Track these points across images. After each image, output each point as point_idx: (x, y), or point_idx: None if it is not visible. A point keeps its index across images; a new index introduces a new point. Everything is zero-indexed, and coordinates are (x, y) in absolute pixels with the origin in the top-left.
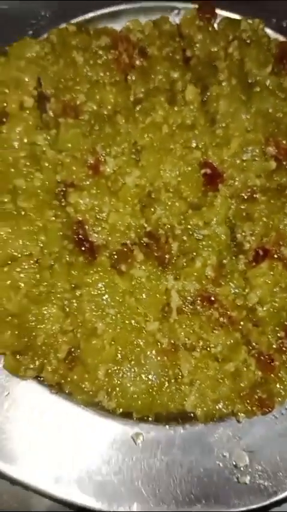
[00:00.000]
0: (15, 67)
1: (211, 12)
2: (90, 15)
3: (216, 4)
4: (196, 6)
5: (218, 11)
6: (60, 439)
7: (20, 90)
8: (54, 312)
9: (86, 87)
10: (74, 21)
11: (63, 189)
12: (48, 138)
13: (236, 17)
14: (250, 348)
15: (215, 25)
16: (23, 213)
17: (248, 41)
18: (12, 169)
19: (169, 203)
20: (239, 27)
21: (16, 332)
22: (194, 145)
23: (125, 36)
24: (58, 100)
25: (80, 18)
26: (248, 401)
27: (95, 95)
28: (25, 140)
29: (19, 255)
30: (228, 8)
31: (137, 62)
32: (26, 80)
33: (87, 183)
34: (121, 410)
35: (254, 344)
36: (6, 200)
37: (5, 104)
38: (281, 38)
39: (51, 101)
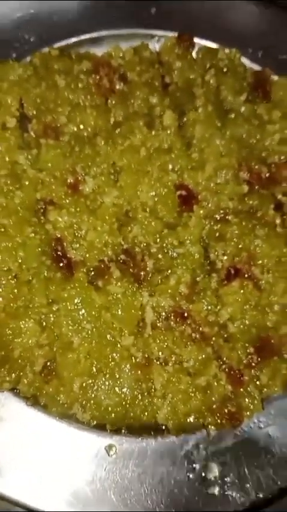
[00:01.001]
0: None
1: (189, 40)
2: (73, 40)
3: (195, 33)
4: (175, 34)
5: (196, 40)
6: (35, 449)
7: (2, 111)
8: (31, 326)
9: (67, 109)
10: (57, 45)
11: (43, 206)
12: (29, 157)
13: (214, 46)
14: (221, 363)
15: (194, 53)
16: (2, 229)
17: (224, 70)
18: None
19: (146, 222)
20: (217, 56)
21: None
22: (170, 168)
23: (107, 61)
24: (40, 121)
25: (63, 43)
26: (218, 414)
27: (76, 117)
28: (6, 159)
29: None
30: (206, 37)
31: (118, 87)
32: (9, 101)
33: (67, 201)
34: (95, 422)
35: (224, 359)
36: None
37: None
38: (256, 68)
39: (33, 121)
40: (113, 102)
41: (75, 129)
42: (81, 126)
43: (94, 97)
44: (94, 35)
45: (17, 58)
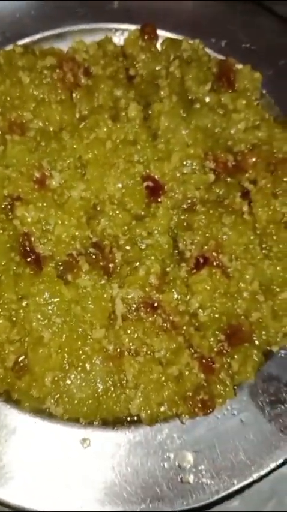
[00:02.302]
0: None
1: (152, 32)
2: (37, 36)
3: (158, 25)
4: (139, 27)
5: (160, 32)
6: (8, 445)
7: None
8: (1, 322)
9: (32, 105)
10: (20, 42)
11: (10, 203)
12: None
13: (178, 37)
14: (192, 351)
15: (158, 45)
16: None
17: (188, 60)
18: None
19: (113, 215)
20: (180, 47)
21: None
22: (136, 159)
23: (71, 56)
24: (5, 118)
25: (27, 40)
26: (191, 403)
27: (41, 112)
28: None
29: None
30: (169, 29)
31: (82, 81)
32: None
33: (34, 196)
34: (68, 416)
35: (196, 348)
36: None
37: None
38: (220, 57)
39: None
40: (78, 96)
41: (40, 124)
42: (47, 122)
43: (59, 92)
44: (58, 30)
45: None
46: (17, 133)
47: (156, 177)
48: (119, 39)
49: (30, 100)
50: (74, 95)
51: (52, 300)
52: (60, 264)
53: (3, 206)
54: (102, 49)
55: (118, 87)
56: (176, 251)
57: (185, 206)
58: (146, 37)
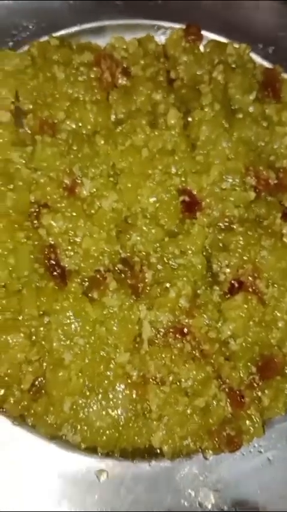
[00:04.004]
0: None
1: (197, 33)
2: (74, 29)
3: (203, 26)
4: (183, 26)
5: (204, 33)
6: (21, 472)
7: None
8: (20, 340)
9: (65, 104)
10: (56, 34)
11: (37, 210)
12: (24, 155)
13: (223, 40)
14: (221, 382)
15: (201, 47)
16: None
17: (233, 66)
18: None
19: (145, 229)
20: (225, 51)
21: None
22: (173, 171)
23: (109, 53)
24: (36, 116)
25: (63, 32)
26: (216, 438)
27: (75, 113)
28: None
29: None
30: (215, 31)
31: (120, 81)
32: (3, 93)
33: (62, 204)
34: (86, 445)
35: (225, 379)
36: None
37: None
38: (266, 65)
39: (28, 116)
40: (115, 97)
41: (73, 126)
42: (80, 123)
43: (95, 92)
44: (97, 24)
45: (14, 47)
46: (48, 134)
47: (193, 191)
48: (160, 38)
49: (63, 98)
50: (110, 96)
51: (76, 318)
52: (86, 280)
53: (28, 213)
54: (143, 48)
55: (158, 91)
56: (210, 273)
57: (222, 225)
58: (189, 38)
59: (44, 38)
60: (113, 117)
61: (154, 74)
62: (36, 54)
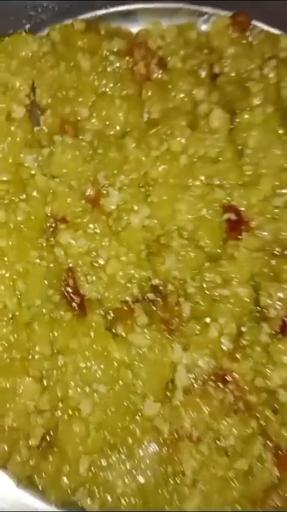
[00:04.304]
0: (5, 67)
1: (246, 22)
2: (101, 12)
3: (253, 14)
4: (229, 13)
5: (255, 23)
6: None
7: (8, 96)
8: (29, 384)
9: (90, 99)
10: (81, 17)
11: (53, 225)
12: (39, 159)
13: (276, 31)
14: (267, 440)
15: (250, 38)
16: None
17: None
18: None
19: (182, 252)
20: (278, 44)
21: None
22: (217, 183)
23: (143, 41)
24: (55, 113)
25: (89, 15)
26: (260, 507)
27: (101, 109)
28: (10, 160)
29: None
30: (267, 21)
31: (155, 75)
32: (17, 84)
33: (84, 219)
34: None
35: (272, 436)
36: None
37: None
38: None
39: (46, 113)
40: (149, 93)
41: (99, 125)
42: (107, 122)
43: (125, 85)
44: (128, 7)
45: (31, 30)
46: (69, 134)
47: (240, 208)
48: (204, 27)
49: (88, 92)
50: (143, 91)
51: (96, 360)
52: (110, 311)
53: (43, 228)
54: (183, 36)
55: (199, 87)
56: (257, 307)
57: (273, 250)
58: (237, 27)
59: (67, 21)
60: (145, 116)
61: (195, 67)
62: (57, 40)
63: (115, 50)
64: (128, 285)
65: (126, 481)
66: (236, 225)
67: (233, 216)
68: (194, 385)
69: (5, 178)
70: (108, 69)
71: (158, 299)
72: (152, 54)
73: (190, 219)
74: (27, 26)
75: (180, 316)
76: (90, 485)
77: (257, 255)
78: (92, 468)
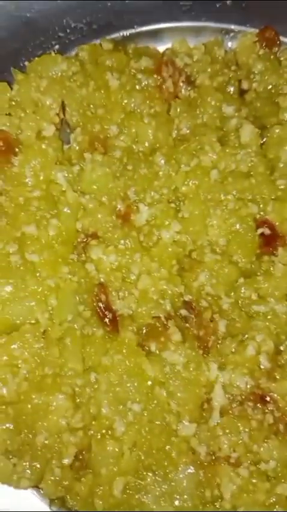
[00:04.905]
0: (35, 87)
1: (273, 38)
2: (129, 32)
3: (280, 29)
4: (256, 30)
5: (283, 39)
6: None
7: (38, 115)
8: (61, 401)
9: (119, 117)
10: (110, 37)
11: (84, 240)
12: (70, 176)
13: None
14: None
15: (278, 54)
16: (31, 268)
17: None
18: (22, 213)
19: (216, 268)
20: None
21: (10, 426)
22: (249, 197)
23: (170, 59)
24: (85, 130)
25: (117, 35)
26: None
27: (131, 127)
28: (41, 177)
29: (21, 323)
30: None
31: (183, 92)
32: (48, 103)
33: (115, 235)
34: None
35: None
36: (11, 251)
37: (19, 131)
38: None
39: (76, 131)
40: (178, 110)
41: (129, 142)
42: (137, 139)
43: (154, 103)
44: (154, 27)
45: (61, 50)
46: (99, 151)
47: (274, 222)
48: (230, 44)
49: (117, 110)
50: (172, 108)
51: (129, 377)
52: (143, 328)
53: (74, 244)
54: (210, 54)
55: (228, 103)
56: None
57: None
58: (264, 43)
59: (96, 41)
60: (174, 132)
61: (223, 84)
62: (86, 59)
63: (143, 68)
64: (161, 300)
65: (163, 504)
66: (270, 240)
67: (267, 231)
68: (232, 405)
69: (36, 195)
70: (137, 88)
71: (191, 315)
72: (179, 72)
73: (222, 234)
74: (57, 47)
75: (215, 334)
76: (125, 508)
77: None
78: (127, 490)
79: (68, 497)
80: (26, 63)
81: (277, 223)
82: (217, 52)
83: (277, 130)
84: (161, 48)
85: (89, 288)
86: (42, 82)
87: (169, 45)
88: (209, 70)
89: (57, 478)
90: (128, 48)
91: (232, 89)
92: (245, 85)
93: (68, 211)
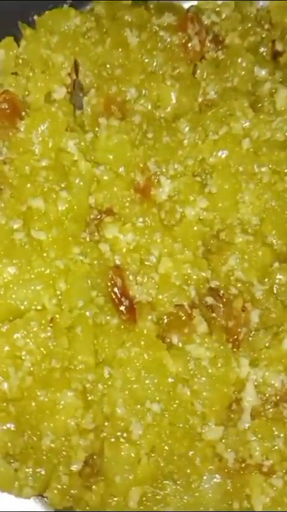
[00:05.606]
0: (45, 43)
1: None
2: None
3: None
4: None
5: None
6: None
7: (48, 75)
8: (70, 399)
9: (139, 78)
10: None
11: (98, 217)
12: (82, 144)
13: None
14: None
15: None
16: (38, 247)
17: None
18: (29, 185)
19: (247, 250)
20: None
21: (12, 427)
22: None
23: (197, 16)
24: (100, 93)
25: None
26: None
27: (151, 89)
28: (50, 144)
29: (26, 310)
30: None
31: (211, 52)
32: (59, 61)
33: (133, 211)
34: None
35: None
36: (16, 227)
37: (26, 93)
38: None
39: (90, 93)
40: (205, 72)
41: (149, 106)
42: (158, 104)
43: (178, 64)
44: None
45: (74, 4)
46: (116, 116)
47: None
48: (262, 1)
49: (137, 70)
50: (198, 70)
51: (148, 373)
52: (164, 317)
53: (87, 221)
54: (240, 11)
55: (261, 65)
56: None
57: None
58: None
59: None
60: (201, 97)
61: (255, 45)
62: (102, 14)
63: (166, 24)
64: (184, 286)
65: None
66: None
67: None
68: (265, 406)
69: (44, 164)
70: (159, 46)
71: (219, 304)
72: (206, 30)
73: (255, 212)
74: (69, 1)
75: (247, 325)
76: None
77: None
78: (144, 500)
79: (76, 506)
80: (36, 17)
81: None
82: (248, 9)
83: None
84: (186, 5)
85: (103, 271)
86: (53, 38)
87: (194, 3)
88: (239, 29)
89: (65, 486)
90: (149, 3)
91: (265, 50)
92: (279, 46)
93: (80, 183)
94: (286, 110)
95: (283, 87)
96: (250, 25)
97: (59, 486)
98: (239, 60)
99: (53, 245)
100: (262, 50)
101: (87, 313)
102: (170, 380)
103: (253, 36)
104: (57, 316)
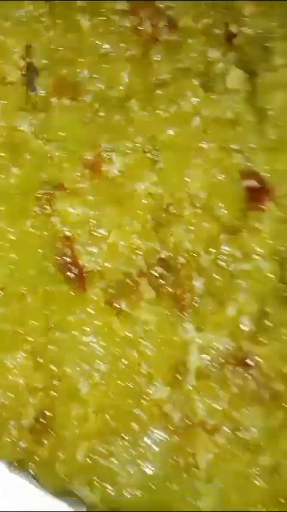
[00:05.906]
0: None
1: None
2: None
3: None
4: None
5: None
6: None
7: (1, 58)
8: (20, 360)
9: (91, 60)
10: None
11: (50, 192)
12: (35, 122)
13: None
14: None
15: None
16: None
17: None
18: None
19: (195, 222)
20: None
21: None
22: (235, 147)
23: (150, 1)
24: (52, 73)
25: None
26: None
27: (103, 70)
28: (3, 123)
29: None
30: None
31: (164, 35)
32: (11, 45)
33: (83, 185)
34: (105, 506)
35: None
36: None
37: None
38: None
39: (42, 74)
40: (157, 54)
41: (101, 86)
42: (110, 84)
43: (130, 46)
44: None
45: None
46: (68, 96)
47: (262, 174)
48: None
49: (89, 53)
50: (151, 51)
51: (97, 336)
52: (112, 285)
53: (39, 195)
54: None
55: (214, 47)
56: (284, 284)
57: None
58: None
59: None
60: (153, 78)
61: (209, 27)
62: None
63: (118, 9)
64: (133, 256)
65: (131, 471)
66: (259, 194)
67: (254, 183)
68: (210, 368)
69: None
70: (111, 29)
71: (168, 273)
72: (160, 14)
73: (203, 186)
74: None
75: (192, 292)
76: (89, 474)
77: (283, 227)
78: (91, 455)
79: (27, 459)
80: None
81: (265, 176)
82: None
83: (269, 76)
84: None
85: (53, 242)
86: (5, 24)
87: None
88: (192, 12)
89: (14, 439)
90: None
91: (218, 31)
92: (233, 28)
93: (32, 159)
94: (236, 90)
95: (234, 67)
96: (204, 8)
97: (8, 439)
98: (192, 41)
99: (5, 218)
100: (215, 31)
101: (38, 282)
102: (117, 342)
103: (207, 19)
104: (8, 284)
